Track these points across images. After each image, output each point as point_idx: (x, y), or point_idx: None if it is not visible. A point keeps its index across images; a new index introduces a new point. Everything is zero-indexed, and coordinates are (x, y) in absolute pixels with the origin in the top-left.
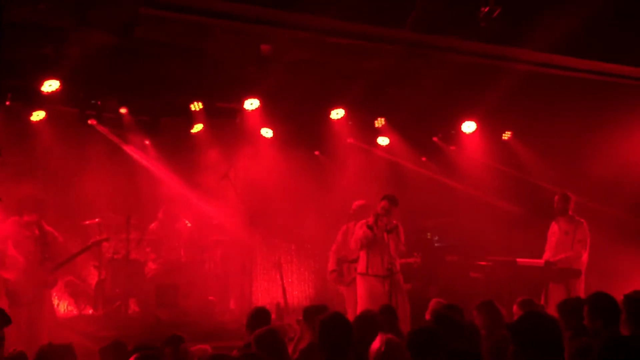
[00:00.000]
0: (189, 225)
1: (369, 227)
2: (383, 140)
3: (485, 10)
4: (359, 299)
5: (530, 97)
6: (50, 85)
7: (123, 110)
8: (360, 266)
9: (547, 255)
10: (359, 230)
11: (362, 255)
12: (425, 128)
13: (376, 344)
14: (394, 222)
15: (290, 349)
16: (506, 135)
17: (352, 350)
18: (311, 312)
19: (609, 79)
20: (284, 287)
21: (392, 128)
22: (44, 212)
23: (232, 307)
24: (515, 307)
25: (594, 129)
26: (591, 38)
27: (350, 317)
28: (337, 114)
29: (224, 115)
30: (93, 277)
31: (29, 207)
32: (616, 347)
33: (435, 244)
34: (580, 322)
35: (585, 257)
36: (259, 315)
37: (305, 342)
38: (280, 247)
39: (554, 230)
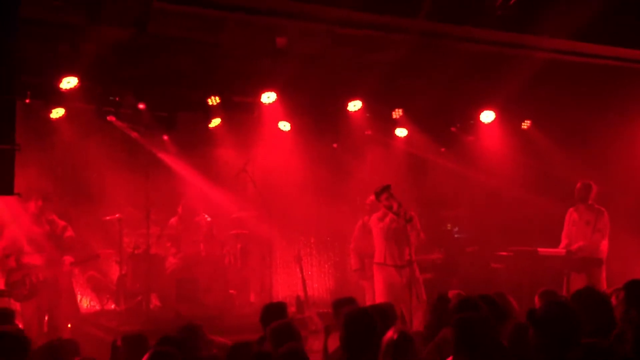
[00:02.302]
0: (208, 219)
1: (396, 214)
2: (401, 132)
3: None
4: (376, 289)
5: (549, 86)
6: (69, 82)
7: (141, 106)
8: (378, 256)
9: (565, 243)
10: (380, 222)
11: (380, 245)
12: (444, 118)
13: (389, 334)
14: (411, 212)
15: (317, 343)
16: (525, 125)
17: (375, 348)
18: (339, 305)
19: (630, 65)
20: (304, 279)
21: (410, 119)
22: (52, 205)
23: (252, 300)
24: (536, 299)
25: (614, 117)
26: (611, 23)
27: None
28: (354, 105)
29: (241, 109)
30: (114, 272)
31: (29, 196)
32: None
33: (455, 235)
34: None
35: (605, 245)
36: (274, 310)
37: (336, 335)
38: (299, 240)
39: (574, 218)
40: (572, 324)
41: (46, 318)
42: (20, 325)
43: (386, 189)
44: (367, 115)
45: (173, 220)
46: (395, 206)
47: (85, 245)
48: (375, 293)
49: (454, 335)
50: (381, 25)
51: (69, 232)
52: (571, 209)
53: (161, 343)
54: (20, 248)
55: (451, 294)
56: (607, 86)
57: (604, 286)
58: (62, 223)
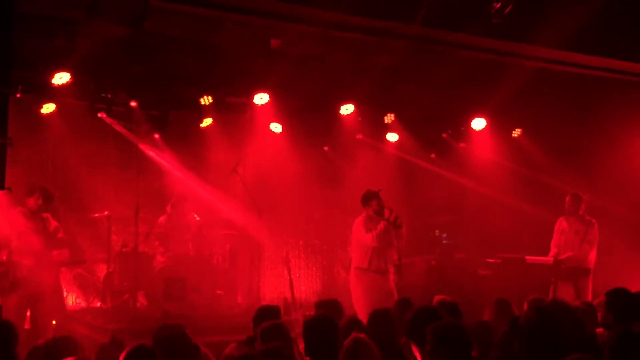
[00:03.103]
0: (197, 219)
1: (389, 222)
2: (392, 137)
3: (497, 6)
4: (360, 294)
5: (541, 95)
6: (61, 78)
7: (133, 104)
8: (361, 261)
9: (554, 252)
10: (372, 228)
11: (366, 250)
12: (435, 124)
13: (349, 339)
14: (401, 218)
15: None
16: (516, 133)
17: (337, 353)
18: (322, 307)
19: (621, 76)
20: (292, 282)
21: (401, 124)
22: (49, 205)
23: (239, 301)
24: (525, 305)
25: (605, 127)
26: (603, 35)
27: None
28: (346, 109)
29: (233, 110)
30: (102, 270)
31: (25, 192)
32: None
33: (444, 241)
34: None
35: (593, 256)
36: (268, 313)
37: None
38: (288, 243)
39: (563, 227)
40: (553, 331)
41: (28, 314)
42: None
43: (376, 194)
44: (359, 119)
45: (162, 218)
46: (387, 212)
47: (74, 247)
48: (354, 298)
49: (430, 343)
50: (376, 29)
51: (61, 234)
52: (561, 218)
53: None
54: (10, 241)
55: (436, 299)
56: (598, 97)
57: (589, 296)
58: (55, 223)
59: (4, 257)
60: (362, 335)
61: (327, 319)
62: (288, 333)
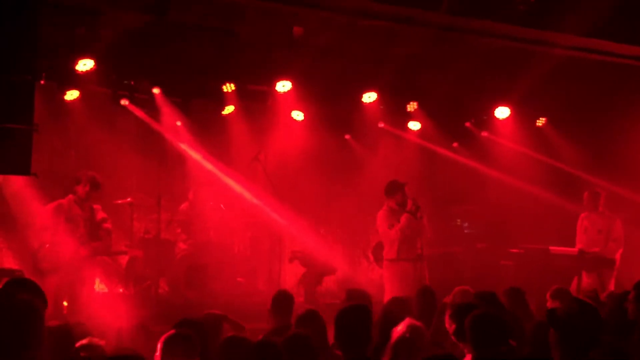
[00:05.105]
0: (222, 207)
1: (411, 213)
2: (414, 125)
3: None
4: (388, 284)
5: (566, 83)
6: (85, 65)
7: (156, 91)
8: (389, 252)
9: (579, 248)
10: (395, 222)
11: (394, 241)
12: (458, 113)
13: (401, 328)
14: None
15: None
16: (540, 122)
17: (371, 345)
18: (353, 296)
19: None
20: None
21: (424, 112)
22: (98, 192)
23: (260, 288)
24: (548, 296)
25: (632, 116)
26: (631, 22)
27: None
28: (369, 97)
29: (255, 98)
30: (124, 256)
31: (74, 181)
32: None
33: (465, 231)
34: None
35: (619, 253)
36: (283, 299)
37: None
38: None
39: (586, 225)
40: (594, 322)
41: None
42: None
43: (401, 187)
44: (381, 107)
45: (183, 206)
46: (409, 204)
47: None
48: (386, 287)
49: (469, 333)
50: (401, 17)
51: (108, 225)
52: (582, 215)
53: (180, 325)
54: (55, 223)
55: (457, 290)
56: (625, 85)
57: (612, 287)
58: (103, 214)
59: (47, 237)
60: (417, 323)
61: (363, 308)
62: (323, 320)
